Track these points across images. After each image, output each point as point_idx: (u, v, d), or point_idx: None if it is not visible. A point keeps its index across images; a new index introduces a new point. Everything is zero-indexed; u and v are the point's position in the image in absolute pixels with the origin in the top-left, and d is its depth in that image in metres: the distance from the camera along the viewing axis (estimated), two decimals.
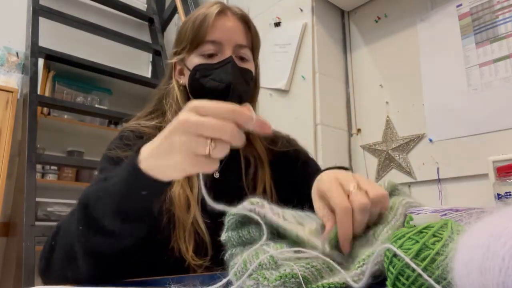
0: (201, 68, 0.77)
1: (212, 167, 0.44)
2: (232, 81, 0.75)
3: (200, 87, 0.77)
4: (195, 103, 0.44)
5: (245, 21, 0.82)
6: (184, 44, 0.80)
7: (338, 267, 0.42)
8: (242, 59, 0.80)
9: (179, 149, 0.43)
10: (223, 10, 0.79)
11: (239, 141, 0.43)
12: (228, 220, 0.52)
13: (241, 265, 0.42)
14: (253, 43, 0.84)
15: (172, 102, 0.81)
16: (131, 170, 0.49)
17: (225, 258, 0.52)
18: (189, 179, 0.73)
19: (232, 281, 0.42)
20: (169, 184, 0.50)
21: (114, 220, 0.50)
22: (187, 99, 0.83)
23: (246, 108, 0.43)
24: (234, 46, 0.78)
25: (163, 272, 0.65)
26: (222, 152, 0.43)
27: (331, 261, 0.43)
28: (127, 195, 0.50)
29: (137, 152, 0.50)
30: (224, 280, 0.42)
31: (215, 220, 0.55)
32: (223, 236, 0.52)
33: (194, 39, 0.78)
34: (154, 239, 0.64)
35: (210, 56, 0.77)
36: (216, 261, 0.46)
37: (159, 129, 0.80)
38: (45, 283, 0.57)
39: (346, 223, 0.45)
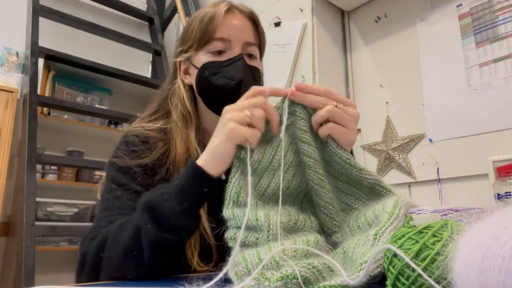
0: (210, 65, 0.76)
1: (254, 135, 0.57)
2: (244, 78, 0.74)
3: (209, 85, 0.76)
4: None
5: (253, 19, 0.82)
6: (191, 42, 0.79)
7: (340, 268, 0.42)
8: (250, 56, 0.80)
9: (227, 123, 0.57)
10: (231, 8, 0.79)
11: (272, 110, 0.58)
12: (229, 191, 0.54)
13: (242, 264, 0.42)
14: (260, 42, 0.84)
15: (178, 102, 0.80)
16: (191, 170, 0.59)
17: (225, 236, 0.53)
18: None
19: (233, 281, 0.42)
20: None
21: (180, 217, 0.56)
22: (193, 98, 0.82)
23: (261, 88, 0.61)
24: (243, 43, 0.78)
25: None
26: (260, 121, 0.57)
27: (332, 261, 0.43)
28: (190, 193, 0.57)
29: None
30: (221, 274, 0.42)
31: (220, 225, 0.55)
32: (226, 212, 0.53)
33: (202, 36, 0.77)
34: None
35: (219, 53, 0.76)
36: (221, 266, 0.47)
37: (164, 131, 0.79)
38: (89, 280, 0.62)
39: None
